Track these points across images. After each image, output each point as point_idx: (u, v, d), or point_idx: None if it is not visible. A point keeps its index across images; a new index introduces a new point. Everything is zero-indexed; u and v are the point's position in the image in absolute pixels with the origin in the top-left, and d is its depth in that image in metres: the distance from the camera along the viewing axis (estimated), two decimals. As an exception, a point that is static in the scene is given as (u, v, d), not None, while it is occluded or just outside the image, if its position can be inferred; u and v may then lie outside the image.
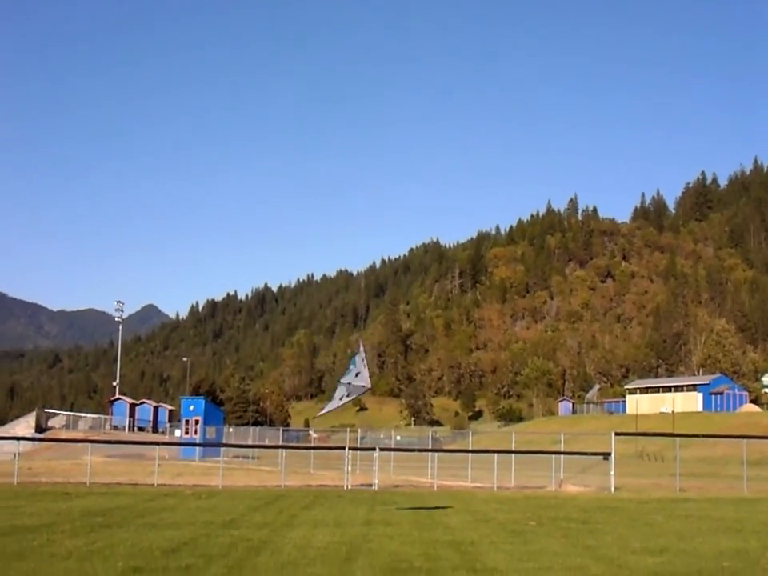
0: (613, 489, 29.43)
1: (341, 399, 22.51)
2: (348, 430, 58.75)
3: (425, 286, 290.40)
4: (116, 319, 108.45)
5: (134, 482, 28.65)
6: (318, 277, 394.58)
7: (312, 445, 64.88)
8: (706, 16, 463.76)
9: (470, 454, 38.36)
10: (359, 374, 21.77)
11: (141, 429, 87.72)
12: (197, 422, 57.23)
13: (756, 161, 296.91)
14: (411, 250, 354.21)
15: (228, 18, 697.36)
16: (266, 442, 63.94)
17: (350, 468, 30.29)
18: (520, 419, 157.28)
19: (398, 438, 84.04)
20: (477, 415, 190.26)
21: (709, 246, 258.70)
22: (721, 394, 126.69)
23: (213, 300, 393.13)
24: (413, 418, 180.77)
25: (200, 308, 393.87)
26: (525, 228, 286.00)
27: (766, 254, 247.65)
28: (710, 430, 73.36)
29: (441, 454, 39.15)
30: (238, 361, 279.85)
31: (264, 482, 30.89)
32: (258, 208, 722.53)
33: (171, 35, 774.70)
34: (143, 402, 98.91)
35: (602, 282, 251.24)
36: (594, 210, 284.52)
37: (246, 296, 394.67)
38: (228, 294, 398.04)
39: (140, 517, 17.10)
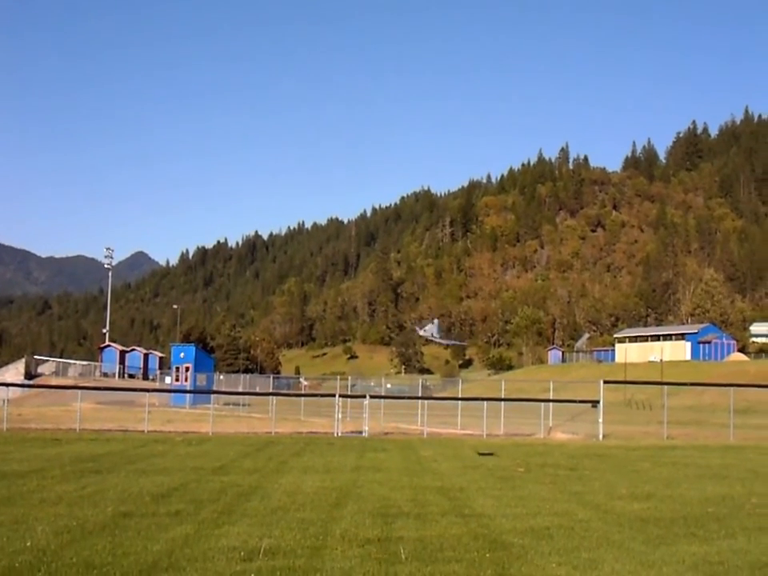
0: (601, 436, 29.70)
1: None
2: (338, 377, 59.06)
3: (415, 235, 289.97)
4: (105, 266, 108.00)
5: (124, 429, 28.75)
6: (308, 225, 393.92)
7: (303, 392, 65.18)
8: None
9: (459, 402, 38.65)
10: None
11: (131, 376, 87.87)
12: (187, 369, 57.31)
13: (747, 111, 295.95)
14: (402, 198, 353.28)
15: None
16: (257, 390, 64.22)
17: (340, 415, 30.44)
18: (510, 367, 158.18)
19: (389, 385, 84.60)
20: (467, 363, 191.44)
21: (699, 196, 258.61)
22: (709, 342, 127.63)
23: (203, 247, 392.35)
24: (403, 366, 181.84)
25: (190, 255, 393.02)
26: (516, 177, 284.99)
27: (756, 204, 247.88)
28: (697, 379, 73.93)
29: (431, 401, 39.41)
30: (228, 308, 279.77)
31: (254, 429, 31.05)
32: (249, 155, 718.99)
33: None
34: (133, 349, 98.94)
35: (593, 231, 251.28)
36: (585, 159, 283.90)
37: (237, 243, 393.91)
38: (218, 242, 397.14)
39: (130, 463, 17.15)
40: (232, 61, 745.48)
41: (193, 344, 70.37)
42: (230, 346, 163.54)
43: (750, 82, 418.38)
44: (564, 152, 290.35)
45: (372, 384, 78.23)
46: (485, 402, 32.78)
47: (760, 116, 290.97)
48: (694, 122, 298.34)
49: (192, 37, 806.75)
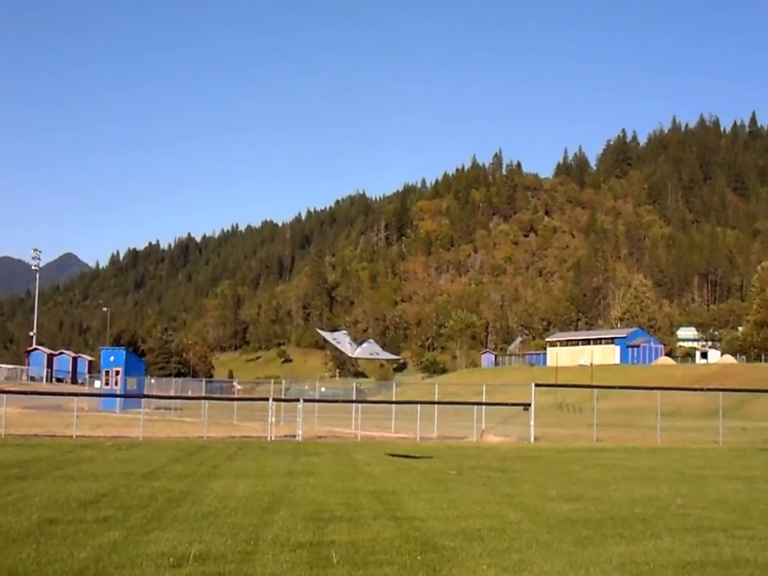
0: (532, 439, 30.08)
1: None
2: (272, 381, 58.73)
3: (350, 238, 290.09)
4: (33, 267, 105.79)
5: (52, 434, 28.12)
6: (242, 227, 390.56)
7: (236, 396, 64.60)
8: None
9: (393, 405, 38.75)
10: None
11: (59, 380, 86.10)
12: (117, 372, 56.32)
13: (674, 120, 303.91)
14: (337, 201, 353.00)
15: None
16: (189, 393, 63.47)
17: (273, 419, 30.28)
18: (444, 371, 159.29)
19: (323, 389, 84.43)
20: (401, 367, 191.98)
21: (628, 203, 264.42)
22: (637, 346, 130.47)
23: (134, 249, 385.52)
24: (338, 370, 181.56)
25: (121, 257, 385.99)
26: (450, 182, 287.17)
27: (683, 212, 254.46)
28: (626, 382, 75.51)
29: (365, 405, 39.47)
30: (160, 311, 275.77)
31: (186, 434, 30.66)
32: (182, 154, 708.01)
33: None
34: (61, 353, 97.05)
35: (525, 236, 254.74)
36: (519, 164, 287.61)
37: (169, 245, 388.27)
38: (150, 243, 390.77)
39: (57, 468, 16.78)
40: (164, 53, 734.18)
41: (123, 347, 69.17)
42: (161, 350, 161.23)
43: (678, 91, 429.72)
44: (497, 158, 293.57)
45: (306, 388, 78.01)
46: (418, 406, 32.97)
47: (687, 125, 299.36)
48: (623, 129, 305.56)
49: (133, 22, 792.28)
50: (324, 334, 26.60)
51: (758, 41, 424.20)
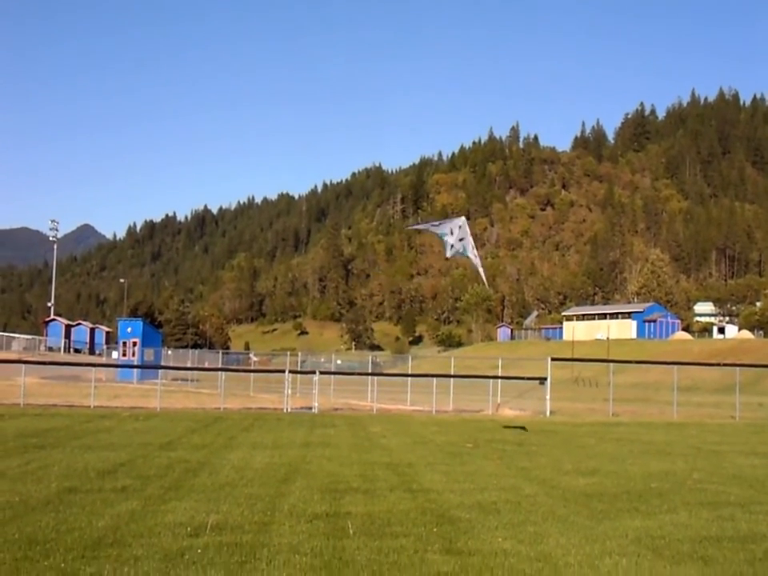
0: (548, 413, 30.07)
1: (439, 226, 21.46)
2: (288, 353, 58.90)
3: (366, 211, 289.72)
4: (50, 238, 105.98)
5: (70, 404, 28.34)
6: (258, 199, 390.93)
7: (252, 368, 64.86)
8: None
9: (409, 378, 38.80)
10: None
11: (77, 350, 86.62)
12: (134, 343, 56.62)
13: (693, 93, 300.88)
14: (353, 174, 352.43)
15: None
16: (206, 365, 63.79)
17: (289, 391, 30.36)
18: (459, 345, 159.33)
19: (339, 362, 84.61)
20: (417, 340, 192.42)
21: (646, 177, 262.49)
22: (654, 321, 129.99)
23: (151, 221, 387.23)
24: (353, 343, 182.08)
25: (138, 229, 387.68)
26: (467, 155, 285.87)
27: (701, 186, 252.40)
28: (642, 357, 75.21)
29: (380, 378, 39.49)
30: (177, 283, 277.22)
31: (203, 405, 30.84)
32: (199, 127, 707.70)
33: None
34: (79, 324, 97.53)
35: (542, 210, 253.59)
36: (536, 138, 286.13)
37: (186, 217, 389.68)
38: (167, 215, 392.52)
39: (75, 438, 16.91)
40: (184, 26, 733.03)
41: (140, 319, 69.45)
42: (178, 321, 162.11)
43: (697, 65, 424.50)
44: (514, 131, 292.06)
45: (322, 360, 78.19)
46: (434, 379, 32.96)
47: (706, 99, 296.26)
48: (642, 103, 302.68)
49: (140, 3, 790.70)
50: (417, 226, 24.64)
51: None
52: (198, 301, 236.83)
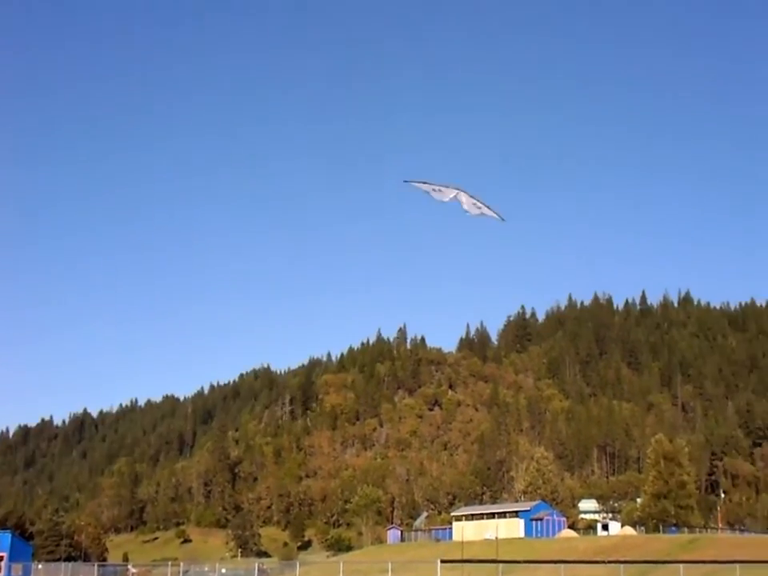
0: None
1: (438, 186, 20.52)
2: (170, 563, 56.85)
3: (254, 413, 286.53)
4: None
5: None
6: (141, 402, 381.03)
7: (130, 580, 61.78)
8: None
9: (295, 583, 38.14)
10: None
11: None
12: (1, 558, 53.65)
13: (570, 297, 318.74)
14: (241, 375, 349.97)
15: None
16: (81, 578, 60.56)
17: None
18: (349, 548, 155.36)
19: (223, 570, 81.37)
20: (306, 545, 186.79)
21: (529, 377, 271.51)
22: (541, 520, 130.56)
23: (25, 426, 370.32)
24: (240, 550, 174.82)
25: (10, 434, 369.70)
26: (355, 355, 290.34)
27: (580, 385, 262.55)
28: (530, 556, 75.50)
29: (266, 583, 38.57)
30: (51, 491, 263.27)
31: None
32: (79, 326, 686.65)
33: None
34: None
35: (430, 410, 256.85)
36: (423, 339, 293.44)
37: (63, 421, 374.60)
38: (42, 419, 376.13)
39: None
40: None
41: (9, 530, 65.93)
42: (51, 532, 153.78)
43: (573, 269, 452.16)
44: (402, 332, 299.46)
45: (206, 569, 75.02)
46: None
47: (582, 302, 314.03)
48: (522, 306, 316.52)
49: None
50: (416, 184, 22.27)
51: (645, 224, 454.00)
52: (74, 509, 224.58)
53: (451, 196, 21.06)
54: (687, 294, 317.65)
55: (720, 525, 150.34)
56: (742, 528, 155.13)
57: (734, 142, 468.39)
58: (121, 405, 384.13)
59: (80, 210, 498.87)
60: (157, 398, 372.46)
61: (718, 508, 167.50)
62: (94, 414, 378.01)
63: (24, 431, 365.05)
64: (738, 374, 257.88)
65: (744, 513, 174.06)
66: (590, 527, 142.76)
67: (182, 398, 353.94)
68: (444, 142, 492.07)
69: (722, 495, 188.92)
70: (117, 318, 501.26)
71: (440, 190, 21.10)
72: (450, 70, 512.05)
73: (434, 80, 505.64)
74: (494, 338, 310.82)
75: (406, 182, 21.02)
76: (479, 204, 21.08)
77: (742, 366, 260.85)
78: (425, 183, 21.12)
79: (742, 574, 37.30)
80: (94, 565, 70.53)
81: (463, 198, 20.99)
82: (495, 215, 21.30)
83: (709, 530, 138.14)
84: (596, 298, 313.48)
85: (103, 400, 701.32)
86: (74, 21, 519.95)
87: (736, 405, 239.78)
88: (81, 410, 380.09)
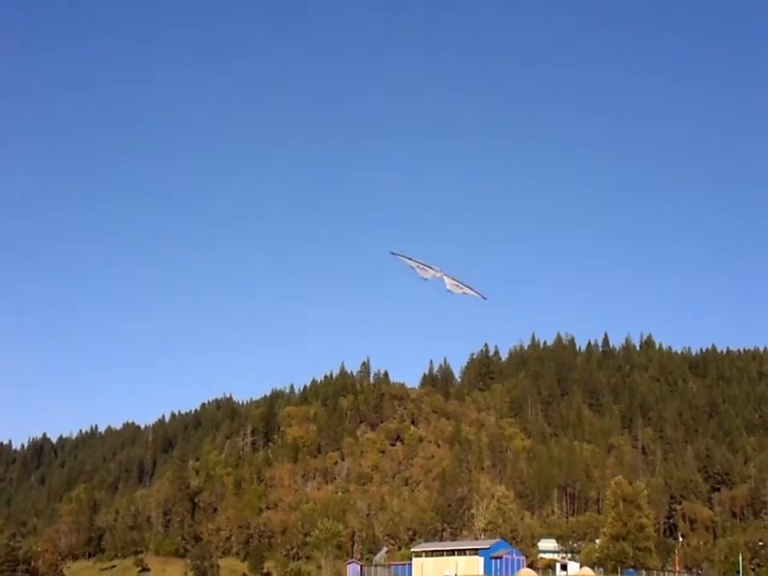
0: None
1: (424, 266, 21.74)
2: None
3: (216, 443, 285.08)
4: None
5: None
6: (102, 429, 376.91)
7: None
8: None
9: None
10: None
11: None
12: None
13: (533, 337, 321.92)
14: (203, 404, 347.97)
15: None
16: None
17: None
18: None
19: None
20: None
21: (491, 415, 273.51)
22: (500, 558, 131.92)
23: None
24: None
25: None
26: (318, 388, 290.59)
27: (542, 425, 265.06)
28: (490, 591, 77.01)
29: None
30: (8, 516, 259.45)
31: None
32: (38, 349, 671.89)
33: None
34: None
35: (392, 445, 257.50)
36: (386, 374, 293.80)
37: (22, 446, 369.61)
38: (1, 443, 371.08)
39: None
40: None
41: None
42: (7, 557, 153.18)
43: (536, 308, 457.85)
44: (365, 366, 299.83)
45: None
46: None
47: (545, 342, 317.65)
48: (486, 344, 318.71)
49: None
50: (402, 258, 23.29)
51: (609, 268, 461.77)
52: (32, 535, 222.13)
53: (434, 275, 22.79)
54: (649, 337, 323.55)
55: (677, 568, 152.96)
56: (699, 572, 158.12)
57: (703, 192, 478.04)
58: (81, 431, 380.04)
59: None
60: (117, 425, 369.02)
61: (676, 551, 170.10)
62: (54, 440, 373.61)
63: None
64: (698, 418, 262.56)
65: (701, 557, 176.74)
66: (549, 567, 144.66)
67: (142, 426, 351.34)
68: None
69: (680, 539, 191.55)
70: (77, 343, 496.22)
71: (424, 268, 22.82)
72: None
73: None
74: (457, 374, 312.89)
75: (392, 254, 22.70)
76: (461, 285, 22.81)
77: (701, 411, 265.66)
78: (410, 259, 22.87)
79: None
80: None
81: (446, 279, 22.75)
82: (477, 294, 23.11)
83: (666, 572, 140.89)
84: (559, 339, 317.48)
85: (63, 425, 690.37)
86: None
87: (695, 449, 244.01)
88: (40, 435, 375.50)
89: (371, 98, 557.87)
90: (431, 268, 23.10)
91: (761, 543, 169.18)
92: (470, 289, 23.22)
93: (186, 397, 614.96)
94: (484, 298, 23.49)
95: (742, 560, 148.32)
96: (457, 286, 23.12)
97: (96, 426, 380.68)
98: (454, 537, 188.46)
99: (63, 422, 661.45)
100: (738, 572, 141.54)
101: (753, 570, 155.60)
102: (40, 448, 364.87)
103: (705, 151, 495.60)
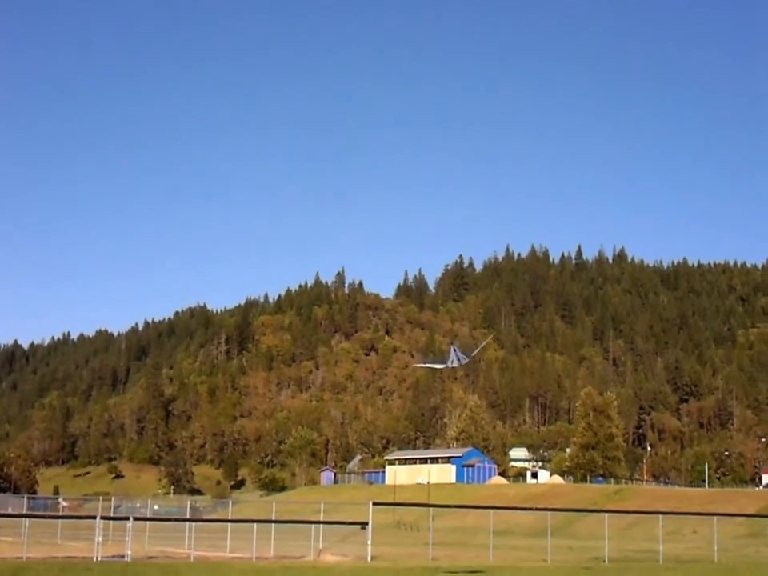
0: (369, 558, 30.14)
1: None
2: (101, 498, 56.26)
3: (189, 351, 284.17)
4: None
5: None
6: (74, 336, 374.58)
7: (60, 514, 61.04)
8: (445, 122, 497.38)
9: (229, 524, 37.97)
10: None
11: None
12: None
13: (508, 249, 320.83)
14: (177, 313, 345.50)
15: None
16: (9, 511, 59.54)
17: (101, 539, 28.98)
18: (283, 489, 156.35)
19: (156, 507, 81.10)
20: (239, 484, 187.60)
21: (464, 326, 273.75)
22: (472, 466, 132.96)
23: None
24: (172, 487, 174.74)
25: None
26: (293, 298, 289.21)
27: (515, 336, 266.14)
28: (461, 501, 76.68)
29: (199, 523, 38.34)
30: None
31: (2, 554, 28.88)
32: (5, 256, 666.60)
33: None
34: None
35: (366, 354, 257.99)
36: (361, 284, 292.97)
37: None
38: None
39: None
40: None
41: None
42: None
43: (510, 220, 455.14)
44: (340, 276, 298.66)
45: (138, 505, 74.77)
46: (254, 524, 32.47)
47: (519, 254, 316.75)
48: (460, 255, 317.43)
49: None
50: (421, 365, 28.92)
51: (583, 179, 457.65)
52: (4, 441, 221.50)
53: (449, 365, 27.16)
54: (622, 250, 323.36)
55: (645, 477, 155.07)
56: (666, 481, 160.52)
57: (666, 104, 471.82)
58: (53, 337, 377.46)
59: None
60: (90, 333, 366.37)
61: (644, 461, 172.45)
62: (25, 346, 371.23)
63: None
64: (668, 331, 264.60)
65: (669, 466, 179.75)
66: (520, 475, 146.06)
67: (115, 333, 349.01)
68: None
69: (649, 448, 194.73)
70: (49, 250, 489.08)
71: (440, 363, 26.65)
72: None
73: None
74: (431, 285, 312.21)
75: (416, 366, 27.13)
76: (465, 357, 27.33)
77: (671, 324, 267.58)
78: (432, 365, 28.04)
79: (664, 524, 38.23)
80: (23, 497, 69.61)
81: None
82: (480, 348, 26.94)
83: (634, 481, 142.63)
84: (533, 251, 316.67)
85: (35, 332, 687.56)
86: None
87: (665, 361, 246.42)
88: (11, 342, 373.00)
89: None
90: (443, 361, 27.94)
91: (726, 453, 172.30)
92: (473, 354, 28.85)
93: (159, 305, 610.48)
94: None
95: (708, 469, 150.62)
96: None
97: (68, 332, 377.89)
98: (426, 445, 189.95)
99: (35, 329, 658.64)
100: (704, 480, 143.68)
101: (718, 478, 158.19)
102: (12, 354, 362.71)
103: (689, 64, 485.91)
